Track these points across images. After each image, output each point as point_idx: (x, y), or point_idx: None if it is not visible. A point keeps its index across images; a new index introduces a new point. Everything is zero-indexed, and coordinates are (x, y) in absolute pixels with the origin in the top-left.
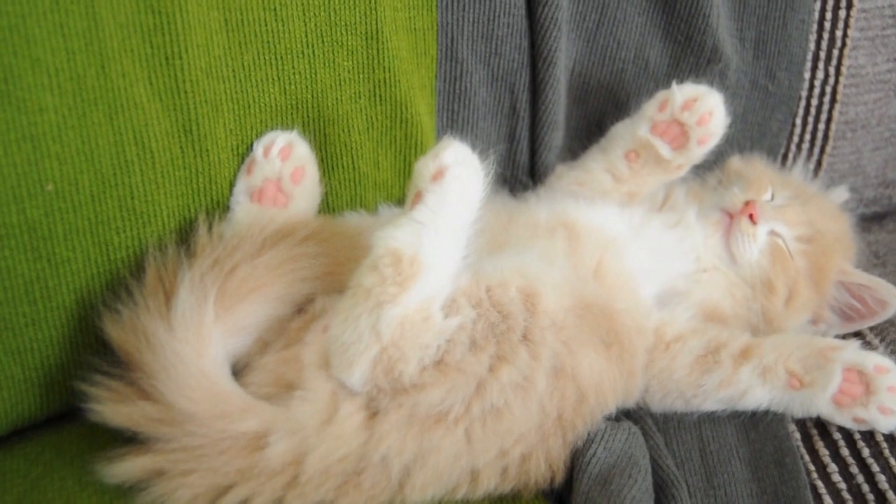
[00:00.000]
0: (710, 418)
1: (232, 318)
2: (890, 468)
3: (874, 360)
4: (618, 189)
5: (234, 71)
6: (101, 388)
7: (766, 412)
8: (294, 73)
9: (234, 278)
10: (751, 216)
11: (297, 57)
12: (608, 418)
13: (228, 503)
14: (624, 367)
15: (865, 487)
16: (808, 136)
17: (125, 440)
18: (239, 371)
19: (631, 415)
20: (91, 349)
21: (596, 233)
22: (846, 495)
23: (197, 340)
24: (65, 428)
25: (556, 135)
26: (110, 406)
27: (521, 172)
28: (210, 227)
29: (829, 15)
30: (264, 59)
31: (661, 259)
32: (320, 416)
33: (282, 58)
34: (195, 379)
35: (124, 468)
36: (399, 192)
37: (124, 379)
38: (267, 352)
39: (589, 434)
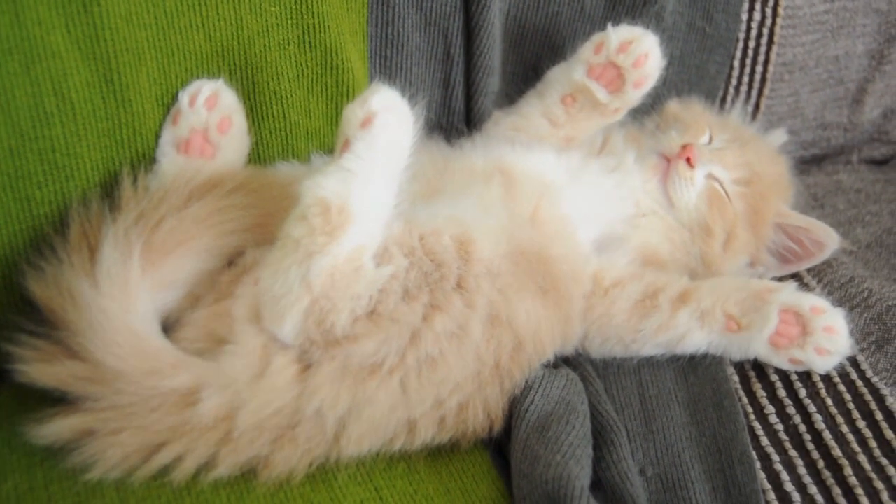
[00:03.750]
0: (650, 363)
1: (159, 273)
2: (826, 408)
3: (810, 301)
4: (555, 134)
5: (155, 17)
6: (27, 347)
7: (705, 356)
8: (219, 20)
9: (160, 232)
10: (688, 160)
11: (222, 2)
12: (546, 365)
13: (161, 461)
14: (561, 314)
15: (802, 428)
16: (745, 79)
17: (54, 400)
18: (170, 327)
19: (571, 361)
20: (15, 308)
21: (533, 178)
22: (783, 436)
23: (123, 296)
24: None
25: (491, 80)
26: (37, 366)
27: (456, 119)
28: (135, 180)
29: None
30: (187, 4)
31: (599, 204)
32: (252, 370)
33: (205, 3)
34: (123, 336)
35: (53, 429)
36: (332, 140)
37: (50, 338)
38: (197, 306)
39: (527, 382)
